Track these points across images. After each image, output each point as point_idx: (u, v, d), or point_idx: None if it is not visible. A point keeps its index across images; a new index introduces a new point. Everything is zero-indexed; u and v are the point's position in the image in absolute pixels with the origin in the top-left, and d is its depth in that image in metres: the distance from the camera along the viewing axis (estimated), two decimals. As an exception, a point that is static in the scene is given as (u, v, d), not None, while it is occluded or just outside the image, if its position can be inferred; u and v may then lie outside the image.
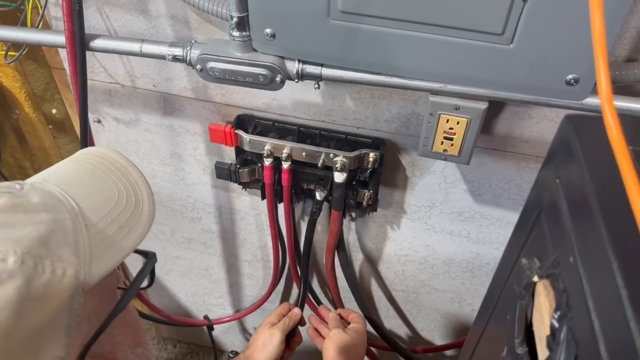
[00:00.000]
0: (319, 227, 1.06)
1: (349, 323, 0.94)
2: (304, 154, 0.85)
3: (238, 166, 0.92)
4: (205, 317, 1.35)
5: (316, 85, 0.72)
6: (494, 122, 0.77)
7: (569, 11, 0.54)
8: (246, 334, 1.51)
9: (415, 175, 0.90)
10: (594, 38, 0.27)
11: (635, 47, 0.64)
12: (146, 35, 0.82)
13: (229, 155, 0.97)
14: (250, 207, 1.08)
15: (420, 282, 1.11)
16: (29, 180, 0.40)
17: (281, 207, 0.98)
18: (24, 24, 0.79)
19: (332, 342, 0.86)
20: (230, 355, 1.56)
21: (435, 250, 1.02)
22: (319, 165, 0.85)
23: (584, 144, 0.34)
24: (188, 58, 0.71)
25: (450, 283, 1.08)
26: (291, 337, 0.96)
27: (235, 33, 0.66)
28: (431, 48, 0.61)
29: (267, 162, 0.88)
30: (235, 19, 0.64)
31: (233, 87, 0.86)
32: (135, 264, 0.45)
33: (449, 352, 1.21)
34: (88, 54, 0.75)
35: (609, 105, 0.26)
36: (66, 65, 0.92)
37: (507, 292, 0.44)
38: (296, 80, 0.69)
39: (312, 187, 0.93)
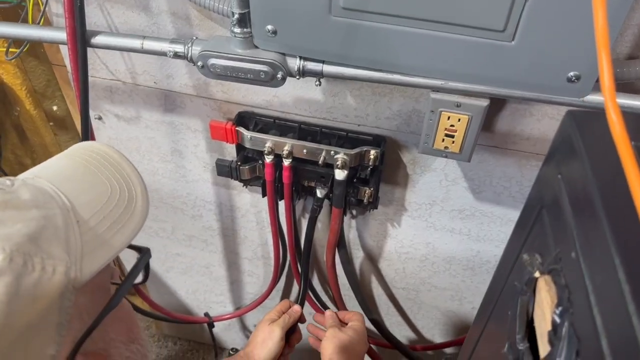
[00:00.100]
0: (319, 225, 1.06)
1: (347, 324, 0.94)
2: (304, 151, 0.85)
3: (239, 163, 0.92)
4: (206, 314, 1.35)
5: (317, 82, 0.72)
6: (495, 119, 0.77)
7: (570, 8, 0.54)
8: (246, 331, 1.51)
9: (416, 172, 0.90)
10: (596, 33, 0.27)
11: (636, 44, 0.64)
12: (147, 32, 0.82)
13: (230, 152, 0.97)
14: (251, 204, 1.08)
15: (421, 280, 1.11)
16: (20, 176, 0.40)
17: (282, 205, 0.98)
18: (25, 21, 0.79)
19: (328, 341, 0.86)
20: (231, 352, 1.56)
21: (436, 248, 1.02)
22: (320, 162, 0.85)
23: (586, 139, 0.34)
24: (189, 55, 0.71)
25: (451, 281, 1.08)
26: (291, 334, 0.96)
27: (237, 30, 0.66)
28: (433, 45, 0.61)
29: (268, 159, 0.88)
30: (236, 16, 0.64)
31: (234, 84, 0.86)
32: (131, 260, 0.44)
33: (449, 350, 1.21)
34: (89, 50, 0.75)
35: (611, 100, 0.26)
36: (67, 62, 0.92)
37: (508, 289, 0.44)
38: (297, 77, 0.69)
39: (312, 184, 0.93)
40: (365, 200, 0.91)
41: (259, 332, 0.91)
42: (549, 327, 0.34)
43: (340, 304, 1.14)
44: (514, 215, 0.91)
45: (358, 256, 1.12)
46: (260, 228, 1.13)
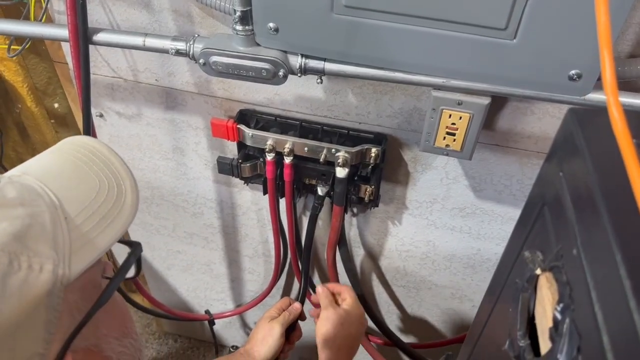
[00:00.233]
0: (320, 223, 1.07)
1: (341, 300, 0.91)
2: (306, 149, 0.86)
3: (240, 161, 0.93)
4: (207, 312, 1.35)
5: (319, 80, 0.72)
6: (496, 117, 0.77)
7: (572, 6, 0.54)
8: (247, 328, 1.52)
9: (417, 170, 0.90)
10: (598, 29, 0.27)
11: (637, 42, 0.64)
12: (149, 30, 0.82)
13: (231, 150, 0.97)
14: (252, 202, 1.08)
15: (421, 278, 1.11)
16: (7, 174, 0.39)
17: (283, 202, 0.98)
18: (27, 18, 0.79)
19: (321, 324, 0.84)
20: (231, 350, 1.56)
21: (437, 246, 1.03)
22: (321, 160, 0.85)
23: (588, 137, 0.34)
24: (191, 52, 0.71)
25: (451, 279, 1.08)
26: (291, 332, 0.96)
27: (239, 27, 0.66)
28: (434, 43, 0.61)
29: (269, 157, 0.88)
30: (238, 13, 0.64)
31: (235, 81, 0.86)
32: (124, 254, 0.44)
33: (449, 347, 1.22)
34: (91, 48, 0.75)
35: (613, 97, 0.26)
36: (69, 59, 0.92)
37: (509, 286, 0.44)
38: (299, 74, 0.69)
39: (313, 182, 0.93)
40: (366, 198, 0.91)
41: (259, 330, 0.92)
42: (550, 323, 0.34)
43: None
44: (515, 213, 0.92)
45: (359, 254, 1.12)
46: (261, 226, 1.14)
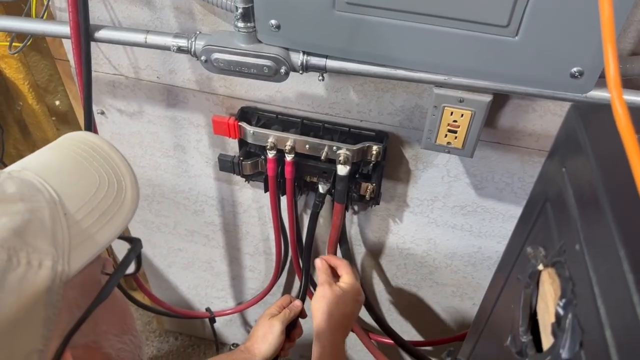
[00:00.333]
0: (321, 220, 1.07)
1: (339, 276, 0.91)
2: (307, 146, 0.86)
3: (241, 158, 0.93)
4: (207, 309, 1.36)
5: (320, 77, 0.72)
6: (498, 115, 0.78)
7: (574, 3, 0.54)
8: (248, 326, 1.52)
9: (418, 168, 0.90)
10: (602, 24, 0.27)
11: (639, 40, 0.64)
12: (150, 27, 0.82)
13: (232, 147, 0.97)
14: (253, 199, 1.08)
15: (422, 276, 1.11)
16: (7, 169, 0.39)
17: (284, 200, 0.98)
18: (28, 15, 0.79)
19: (317, 301, 0.84)
20: (232, 347, 1.56)
21: (437, 244, 1.03)
22: (322, 158, 0.85)
23: (591, 133, 0.34)
24: (193, 49, 0.71)
25: (452, 277, 1.08)
26: (292, 329, 0.97)
27: (240, 24, 0.66)
28: (436, 40, 0.61)
29: (271, 154, 0.88)
30: (240, 10, 0.64)
31: (237, 79, 0.86)
32: (124, 250, 0.43)
33: (450, 345, 1.22)
34: (92, 45, 0.75)
35: (617, 92, 0.27)
36: (70, 56, 0.92)
37: (511, 282, 0.44)
38: (301, 71, 0.69)
39: (315, 179, 0.93)
40: (367, 196, 0.91)
41: (259, 327, 0.92)
42: (552, 319, 0.34)
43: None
44: (516, 211, 0.92)
45: (359, 252, 1.12)
46: (262, 223, 1.14)
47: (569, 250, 0.33)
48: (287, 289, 1.31)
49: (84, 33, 0.72)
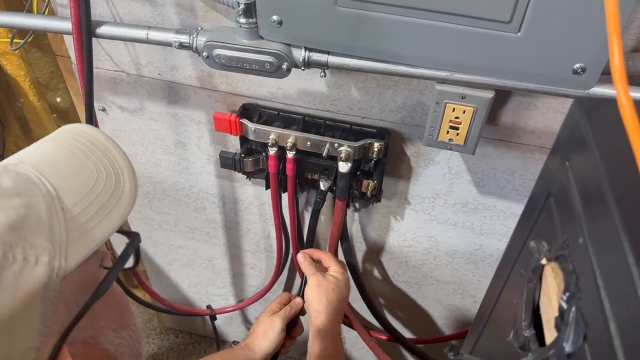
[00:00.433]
0: (322, 218, 1.07)
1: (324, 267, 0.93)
2: (308, 143, 0.85)
3: (242, 155, 0.92)
4: (208, 307, 1.36)
5: (322, 74, 0.72)
6: (500, 112, 0.77)
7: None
8: (248, 324, 1.52)
9: (420, 165, 0.90)
10: (607, 16, 0.27)
11: (642, 37, 0.64)
12: (152, 23, 0.82)
13: (234, 144, 0.97)
14: (254, 197, 1.08)
15: (423, 274, 1.11)
16: (3, 163, 0.38)
17: (285, 197, 0.98)
18: (29, 11, 0.79)
19: (313, 292, 0.85)
20: (232, 345, 1.56)
21: (439, 242, 1.03)
22: (324, 155, 0.85)
23: (595, 126, 0.34)
24: (194, 45, 0.71)
25: (453, 274, 1.08)
26: (293, 327, 0.97)
27: (242, 20, 0.66)
28: (438, 36, 0.61)
29: (272, 151, 0.88)
30: (242, 6, 0.64)
31: (238, 75, 0.86)
32: (123, 245, 0.43)
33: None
34: (93, 41, 0.75)
35: (622, 84, 0.26)
36: (72, 52, 0.92)
37: (514, 277, 0.44)
38: (302, 68, 0.69)
39: (316, 177, 0.93)
40: (368, 193, 0.91)
41: (260, 323, 0.92)
42: (555, 313, 0.34)
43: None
44: (517, 208, 0.92)
45: (360, 249, 1.12)
46: (263, 221, 1.14)
47: (572, 244, 0.33)
48: (287, 287, 1.31)
49: (86, 29, 0.72)
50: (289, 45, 0.68)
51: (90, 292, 0.39)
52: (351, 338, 1.39)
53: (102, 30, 0.74)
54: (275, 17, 0.64)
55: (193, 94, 0.91)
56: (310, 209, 1.03)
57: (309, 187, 0.98)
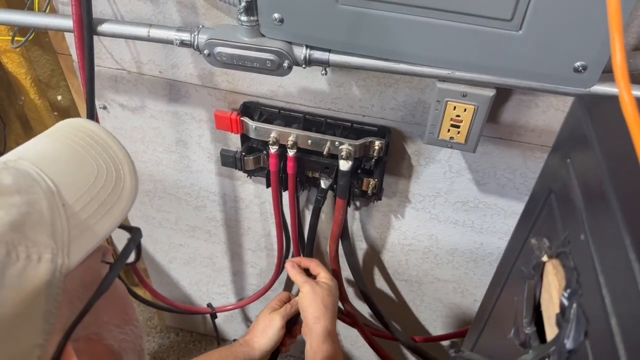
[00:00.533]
0: (323, 216, 1.07)
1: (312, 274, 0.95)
2: (309, 141, 0.85)
3: (243, 154, 0.93)
4: (209, 305, 1.36)
5: (323, 72, 0.72)
6: (500, 110, 0.77)
7: (578, -3, 0.54)
8: (249, 322, 1.52)
9: (421, 164, 0.90)
10: (609, 13, 0.27)
11: (643, 35, 0.64)
12: (153, 21, 0.82)
13: (234, 142, 0.97)
14: (255, 195, 1.08)
15: (424, 272, 1.11)
16: (2, 158, 0.38)
17: (286, 196, 0.98)
18: (31, 9, 0.79)
19: (309, 299, 0.86)
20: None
21: (439, 240, 1.03)
22: (325, 153, 0.85)
23: (596, 123, 0.34)
24: (195, 43, 0.71)
25: (454, 273, 1.08)
26: (293, 325, 0.97)
27: (243, 18, 0.66)
28: (439, 34, 0.61)
29: (273, 149, 0.88)
30: (243, 4, 0.64)
31: (239, 73, 0.86)
32: (123, 239, 0.43)
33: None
34: (95, 39, 0.75)
35: (624, 81, 0.26)
36: (73, 50, 0.92)
37: (514, 274, 0.44)
38: (304, 65, 0.69)
39: (317, 175, 0.93)
40: (369, 192, 0.91)
41: (260, 321, 0.92)
42: (556, 309, 0.34)
43: (342, 296, 1.14)
44: (518, 207, 0.92)
45: (361, 248, 1.12)
46: (263, 219, 1.14)
47: (573, 241, 0.33)
48: (288, 285, 1.31)
49: (87, 27, 0.72)
50: (290, 43, 0.68)
51: (93, 288, 0.39)
52: (351, 337, 1.39)
53: (104, 28, 0.74)
54: (276, 15, 0.64)
55: (194, 92, 0.92)
56: (310, 207, 1.03)
57: (310, 185, 0.98)
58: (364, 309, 1.22)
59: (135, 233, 0.43)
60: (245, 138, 0.92)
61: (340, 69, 0.79)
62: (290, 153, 0.88)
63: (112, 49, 0.89)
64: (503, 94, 0.75)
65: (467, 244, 1.01)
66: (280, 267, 1.17)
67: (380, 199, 0.95)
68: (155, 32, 0.72)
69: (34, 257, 0.32)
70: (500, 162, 0.85)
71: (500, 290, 0.48)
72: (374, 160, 0.87)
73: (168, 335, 1.67)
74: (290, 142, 0.86)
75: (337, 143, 0.84)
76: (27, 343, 0.32)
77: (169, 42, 0.72)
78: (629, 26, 0.64)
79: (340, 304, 1.14)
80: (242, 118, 0.87)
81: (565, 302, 0.33)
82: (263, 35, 0.68)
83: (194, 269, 1.37)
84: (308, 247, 1.05)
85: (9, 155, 0.39)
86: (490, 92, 0.68)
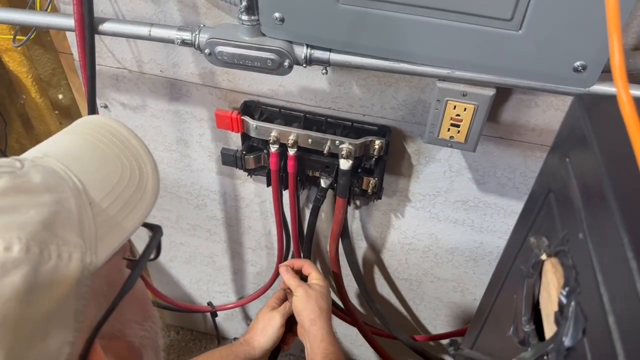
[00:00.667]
0: (323, 215, 1.07)
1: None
2: (309, 140, 0.86)
3: (244, 153, 0.93)
4: (209, 303, 1.36)
5: (324, 71, 0.72)
6: (500, 110, 0.78)
7: (578, -3, 0.54)
8: (249, 321, 1.52)
9: (421, 163, 0.90)
10: (607, 13, 0.27)
11: (643, 35, 0.65)
12: (154, 20, 0.82)
13: (235, 141, 0.98)
14: (255, 194, 1.09)
15: (424, 271, 1.12)
16: (28, 156, 0.38)
17: (286, 195, 0.98)
18: (32, 8, 0.79)
19: (302, 303, 0.86)
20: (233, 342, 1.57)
21: (439, 239, 1.03)
22: (325, 152, 0.86)
23: (595, 122, 0.34)
24: (197, 42, 0.71)
25: (453, 272, 1.09)
26: (294, 323, 0.97)
27: (244, 17, 0.66)
28: (440, 34, 0.61)
29: (273, 148, 0.88)
30: (244, 3, 0.64)
31: (240, 73, 0.86)
32: (139, 235, 0.43)
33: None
34: (96, 38, 0.75)
35: (622, 81, 0.27)
36: (74, 49, 0.92)
37: (514, 272, 0.45)
38: (304, 65, 0.70)
39: (317, 174, 0.93)
40: (369, 191, 0.91)
41: (259, 319, 0.92)
42: (555, 307, 0.34)
43: (342, 295, 1.14)
44: (518, 206, 0.92)
45: (361, 247, 1.12)
46: (264, 218, 1.14)
47: (572, 240, 0.33)
48: (288, 284, 1.31)
49: (89, 26, 0.72)
50: (290, 42, 0.68)
51: (117, 285, 0.39)
52: (352, 335, 1.40)
53: (105, 27, 0.74)
54: (277, 15, 0.65)
55: (195, 91, 0.92)
56: (311, 206, 1.03)
57: (310, 184, 0.99)
58: (364, 307, 1.23)
59: (156, 231, 0.44)
60: (245, 137, 0.92)
61: (340, 68, 0.79)
62: (291, 152, 0.88)
63: (114, 48, 0.90)
64: (503, 94, 0.75)
65: (466, 243, 1.01)
66: (280, 266, 1.17)
67: (380, 198, 0.95)
68: (157, 31, 0.73)
69: (65, 256, 0.32)
70: (500, 161, 0.85)
71: (500, 288, 0.48)
72: (374, 159, 0.87)
73: (168, 334, 1.68)
74: (290, 141, 0.86)
75: (337, 142, 0.84)
76: (58, 341, 0.32)
77: (170, 41, 0.72)
78: (628, 26, 0.64)
79: (340, 303, 1.15)
80: (242, 117, 0.87)
81: (564, 300, 0.33)
82: (264, 35, 0.68)
83: (195, 267, 1.37)
84: (306, 244, 1.05)
85: (34, 152, 0.39)
86: (490, 92, 0.68)
